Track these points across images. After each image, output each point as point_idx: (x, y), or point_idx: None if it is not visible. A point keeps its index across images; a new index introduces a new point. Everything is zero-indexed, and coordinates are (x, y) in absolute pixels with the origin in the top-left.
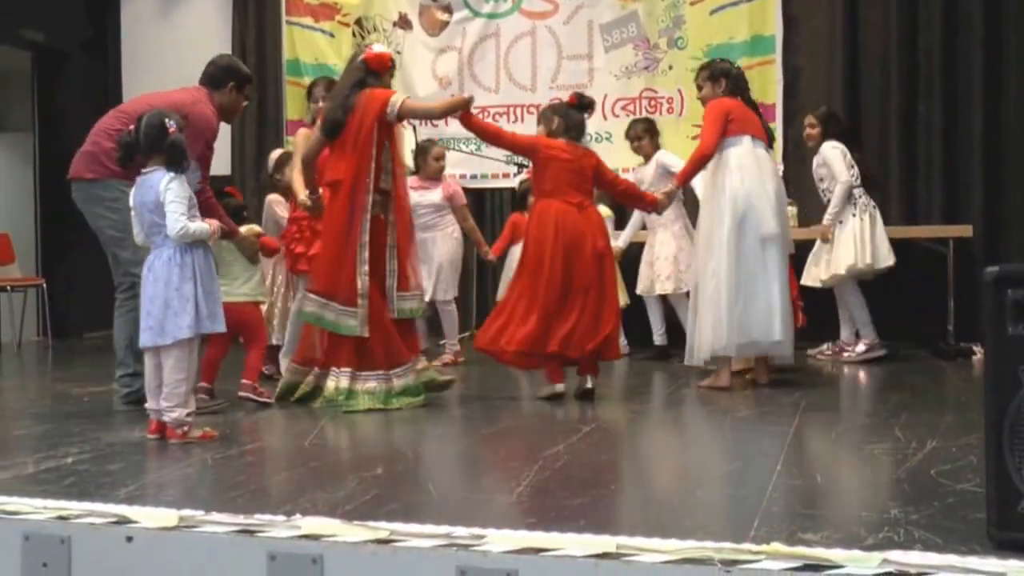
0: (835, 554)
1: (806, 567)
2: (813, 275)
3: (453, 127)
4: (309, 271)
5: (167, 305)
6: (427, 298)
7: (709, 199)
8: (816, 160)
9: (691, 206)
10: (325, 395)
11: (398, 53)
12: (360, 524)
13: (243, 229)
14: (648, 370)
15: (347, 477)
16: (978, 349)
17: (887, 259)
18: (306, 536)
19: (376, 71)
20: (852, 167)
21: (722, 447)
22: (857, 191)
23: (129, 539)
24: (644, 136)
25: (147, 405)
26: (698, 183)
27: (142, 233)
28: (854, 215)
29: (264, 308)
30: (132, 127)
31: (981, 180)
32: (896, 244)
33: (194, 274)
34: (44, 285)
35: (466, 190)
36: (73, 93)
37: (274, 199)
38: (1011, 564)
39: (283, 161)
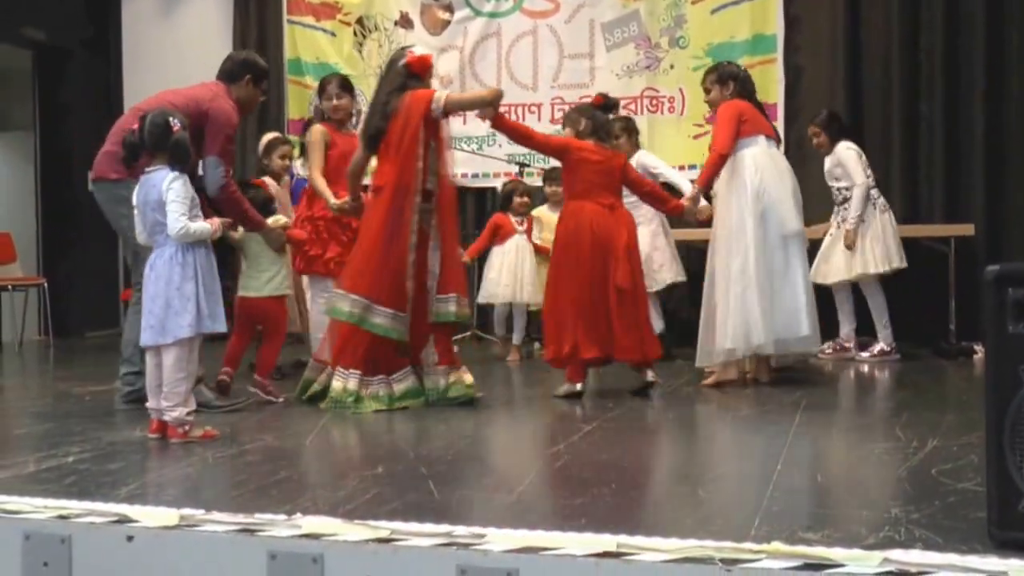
0: (836, 553)
1: (807, 566)
2: (822, 272)
3: (455, 126)
4: (327, 274)
5: (168, 304)
6: None
7: (727, 200)
8: (830, 160)
9: None
10: (332, 395)
11: None
12: (361, 523)
13: (270, 220)
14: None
15: (348, 476)
16: (979, 348)
17: (903, 260)
18: (307, 535)
19: (418, 74)
20: (867, 168)
21: (723, 446)
22: (874, 191)
23: (130, 538)
24: (622, 135)
25: (148, 404)
26: (679, 179)
27: (144, 232)
28: (882, 212)
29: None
30: (136, 126)
31: (982, 179)
32: None
33: (195, 273)
34: (45, 284)
35: (467, 189)
36: (74, 92)
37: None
38: (1012, 563)
39: (273, 145)
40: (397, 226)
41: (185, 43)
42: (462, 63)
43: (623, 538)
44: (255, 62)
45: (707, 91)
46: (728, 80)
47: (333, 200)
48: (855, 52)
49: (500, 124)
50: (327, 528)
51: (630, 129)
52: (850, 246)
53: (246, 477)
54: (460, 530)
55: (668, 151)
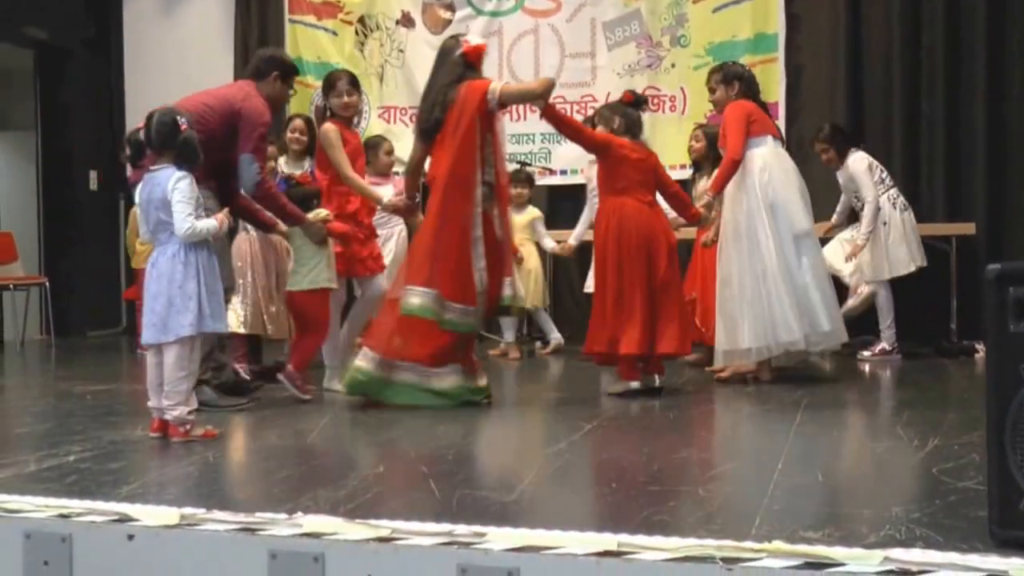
0: (837, 552)
1: (807, 565)
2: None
3: None
4: (370, 273)
5: (170, 303)
6: None
7: (737, 201)
8: (843, 175)
9: None
10: (347, 374)
11: (401, 51)
12: (361, 522)
13: (311, 215)
14: None
15: (348, 475)
16: (981, 347)
17: (923, 258)
18: (307, 534)
19: (473, 64)
20: (879, 177)
21: (724, 445)
22: (892, 192)
23: (130, 537)
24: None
25: (149, 403)
26: None
27: (147, 231)
28: (902, 212)
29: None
30: (140, 125)
31: (984, 178)
32: None
33: (198, 273)
34: (47, 283)
35: None
36: (75, 91)
37: None
38: (1013, 562)
39: None
40: (455, 217)
41: (186, 42)
42: None
43: (624, 537)
44: (281, 58)
45: (712, 91)
46: (734, 80)
47: (384, 198)
48: (856, 51)
49: (552, 114)
50: (328, 527)
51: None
52: (850, 258)
53: (247, 476)
54: (461, 529)
55: (669, 150)
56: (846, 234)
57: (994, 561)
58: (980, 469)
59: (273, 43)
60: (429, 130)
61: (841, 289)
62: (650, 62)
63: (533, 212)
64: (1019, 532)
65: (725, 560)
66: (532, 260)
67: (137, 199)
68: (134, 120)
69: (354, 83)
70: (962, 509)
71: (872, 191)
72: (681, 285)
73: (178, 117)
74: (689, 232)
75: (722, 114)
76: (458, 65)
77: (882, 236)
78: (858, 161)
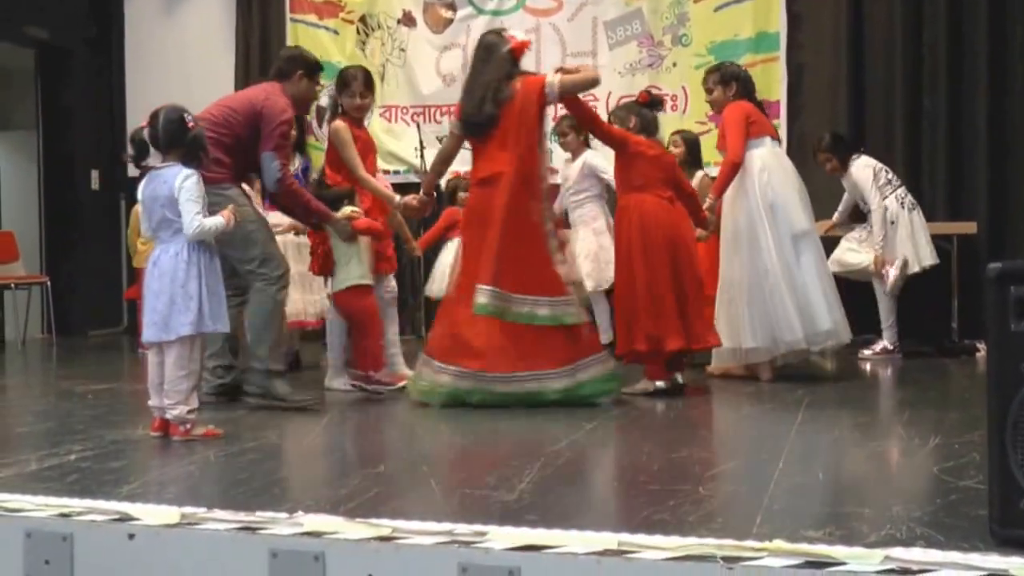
0: (837, 551)
1: (808, 564)
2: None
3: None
4: (381, 272)
5: (172, 301)
6: None
7: (737, 202)
8: (848, 183)
9: (611, 204)
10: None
11: (402, 50)
12: (362, 521)
13: (339, 213)
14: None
15: (349, 474)
16: (982, 346)
17: (934, 256)
18: (308, 533)
19: (518, 60)
20: (885, 179)
21: (724, 443)
22: (900, 191)
23: (131, 536)
24: (570, 132)
25: (150, 402)
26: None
27: (148, 227)
28: (911, 211)
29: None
30: (144, 124)
31: (986, 177)
32: None
33: (199, 272)
34: (48, 283)
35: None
36: (77, 91)
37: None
38: (1013, 561)
39: None
40: (524, 213)
41: (188, 42)
42: (465, 61)
43: (624, 536)
44: (304, 56)
45: (709, 91)
46: (731, 80)
47: (398, 198)
48: (858, 48)
49: (573, 102)
50: (328, 526)
51: (576, 127)
52: (877, 271)
53: (248, 475)
54: (462, 528)
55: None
56: (854, 235)
57: (995, 560)
58: (981, 468)
59: (274, 42)
60: (481, 124)
61: (842, 289)
62: (651, 61)
63: None
64: (1020, 531)
65: (726, 559)
66: None
67: (140, 195)
68: (135, 120)
69: (369, 84)
70: (963, 508)
71: (876, 200)
72: (703, 280)
73: (185, 115)
74: None
75: (720, 115)
76: (506, 61)
77: (890, 235)
78: (861, 169)
